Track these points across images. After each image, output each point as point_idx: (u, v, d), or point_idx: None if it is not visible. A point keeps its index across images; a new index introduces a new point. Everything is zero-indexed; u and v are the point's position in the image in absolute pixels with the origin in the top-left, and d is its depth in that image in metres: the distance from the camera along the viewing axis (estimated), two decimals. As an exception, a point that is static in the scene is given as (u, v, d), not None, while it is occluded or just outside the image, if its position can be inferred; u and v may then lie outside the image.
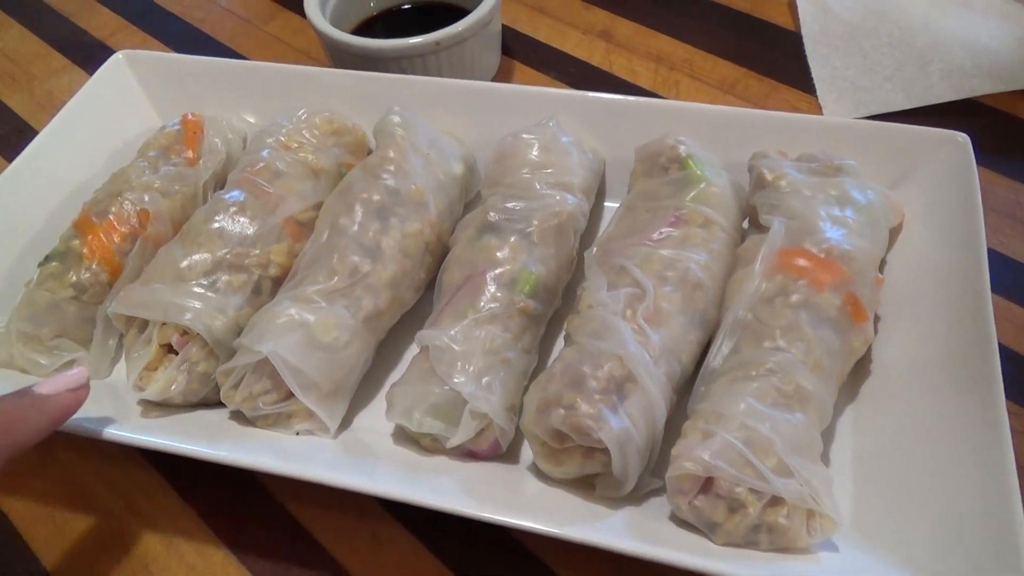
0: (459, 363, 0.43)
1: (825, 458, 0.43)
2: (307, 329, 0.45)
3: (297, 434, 0.46)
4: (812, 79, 0.66)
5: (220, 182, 0.59)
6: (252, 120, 0.63)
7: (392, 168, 0.51)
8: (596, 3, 0.76)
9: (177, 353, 0.47)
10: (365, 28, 0.71)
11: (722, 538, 0.37)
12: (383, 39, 0.63)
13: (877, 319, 0.47)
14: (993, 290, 0.48)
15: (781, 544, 0.37)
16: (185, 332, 0.47)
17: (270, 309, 0.46)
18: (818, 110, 0.64)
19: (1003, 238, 0.54)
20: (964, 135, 0.50)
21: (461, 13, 0.68)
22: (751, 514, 0.36)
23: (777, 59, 0.68)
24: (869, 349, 0.46)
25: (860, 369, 0.46)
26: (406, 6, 0.72)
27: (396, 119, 0.54)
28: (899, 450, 0.42)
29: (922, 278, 0.47)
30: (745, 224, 0.51)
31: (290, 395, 0.45)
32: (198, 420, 0.47)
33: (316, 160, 0.55)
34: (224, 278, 0.49)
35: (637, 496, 0.41)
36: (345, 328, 0.46)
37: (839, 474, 0.42)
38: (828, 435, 0.44)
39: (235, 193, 0.52)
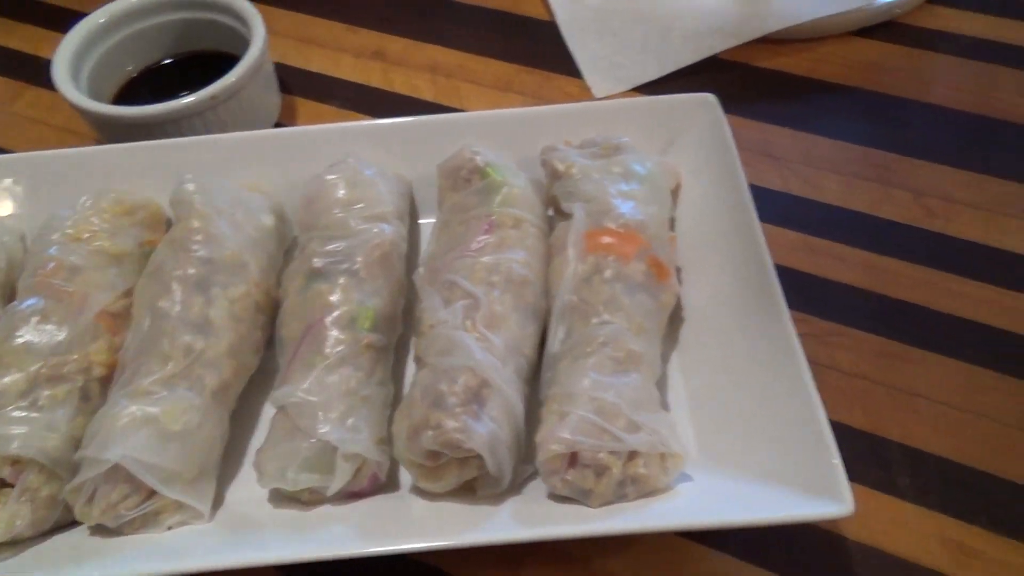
0: (320, 413, 0.44)
1: (664, 404, 0.49)
2: (154, 422, 0.44)
3: (169, 528, 0.44)
4: (576, 64, 0.72)
5: (7, 292, 0.54)
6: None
7: (200, 238, 0.50)
8: (363, 25, 0.78)
9: (13, 486, 0.44)
10: (128, 92, 0.68)
11: (597, 501, 0.41)
12: (153, 103, 0.61)
13: (679, 271, 0.53)
14: (761, 218, 0.57)
15: (646, 490, 0.42)
16: (16, 461, 0.44)
17: (107, 412, 0.44)
18: (587, 91, 0.70)
19: (761, 173, 0.63)
20: (712, 95, 0.57)
21: (227, 59, 0.67)
22: (615, 473, 0.41)
23: (543, 51, 0.74)
24: (679, 299, 0.52)
25: (676, 317, 0.52)
26: (167, 61, 0.70)
27: (190, 187, 0.53)
28: (719, 378, 0.48)
29: (705, 225, 0.54)
30: (551, 212, 0.56)
31: (152, 493, 0.44)
32: (57, 546, 0.44)
33: (114, 245, 0.53)
34: (45, 393, 0.46)
35: (516, 487, 0.44)
36: (194, 410, 0.45)
37: (678, 413, 0.48)
38: (663, 383, 0.50)
39: (32, 301, 0.49)
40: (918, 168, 0.62)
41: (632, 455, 0.42)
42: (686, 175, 0.57)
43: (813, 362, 0.51)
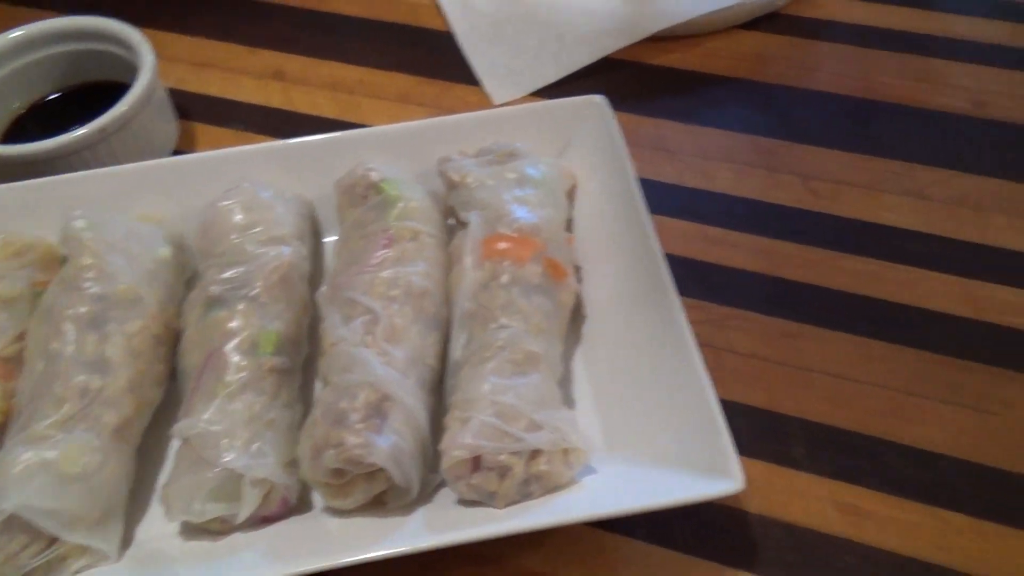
0: (223, 441, 0.44)
1: (570, 398, 0.50)
2: (51, 467, 0.43)
3: (77, 573, 0.43)
4: (474, 72, 0.72)
5: None
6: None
7: (92, 275, 0.49)
8: (262, 46, 0.77)
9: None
10: (16, 130, 0.66)
11: (502, 502, 0.42)
12: (40, 140, 0.59)
13: (579, 270, 0.54)
14: (658, 211, 0.58)
15: (550, 486, 0.43)
16: (-93, 522, 0.42)
17: (2, 461, 0.43)
18: (487, 99, 0.71)
19: (657, 167, 0.65)
20: (600, 96, 0.59)
21: (119, 88, 0.65)
22: (518, 473, 0.42)
23: (442, 61, 0.74)
24: (580, 297, 0.53)
25: (578, 315, 0.53)
26: (55, 95, 0.68)
27: (80, 224, 0.52)
28: (621, 370, 0.49)
29: (601, 223, 0.55)
30: (451, 222, 0.56)
31: (55, 539, 0.43)
32: (-42, 605, 0.43)
33: (4, 289, 0.51)
34: (-65, 448, 0.45)
35: (426, 496, 0.45)
36: (94, 451, 0.44)
37: (584, 408, 0.50)
38: (568, 379, 0.51)
39: (-83, 354, 0.47)
40: (804, 152, 0.65)
41: (534, 454, 0.42)
42: (582, 175, 0.58)
43: (711, 346, 0.53)
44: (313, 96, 0.72)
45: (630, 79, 0.72)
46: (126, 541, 0.46)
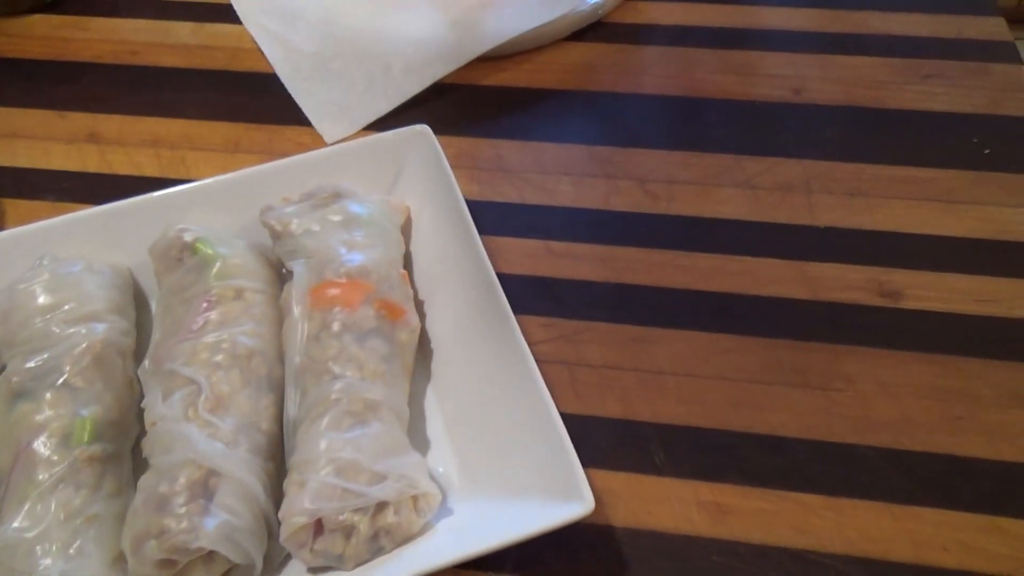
0: (37, 548, 0.40)
1: (424, 440, 0.48)
2: None
3: None
4: (304, 112, 0.70)
5: None
6: None
7: None
8: (72, 108, 0.72)
9: None
10: None
11: (351, 563, 0.40)
12: None
13: (421, 304, 0.53)
14: (502, 232, 0.58)
15: (402, 538, 0.41)
16: None
17: None
18: (320, 139, 0.69)
19: (497, 188, 0.64)
20: (424, 126, 0.58)
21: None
22: (363, 530, 0.40)
23: (269, 104, 0.72)
24: (424, 332, 0.52)
25: (425, 351, 0.51)
26: None
27: None
28: (470, 403, 0.48)
29: (437, 253, 0.54)
30: (285, 270, 0.54)
31: None
32: None
33: None
34: None
35: (275, 568, 0.42)
36: None
37: (440, 448, 0.48)
38: (420, 417, 0.49)
39: None
40: (639, 156, 0.66)
41: (380, 506, 0.41)
42: (415, 207, 0.57)
43: (564, 363, 0.53)
44: (132, 155, 0.68)
45: (464, 102, 0.71)
46: None
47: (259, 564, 0.40)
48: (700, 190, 0.63)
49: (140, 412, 0.48)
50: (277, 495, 0.43)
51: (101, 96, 0.73)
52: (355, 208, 0.53)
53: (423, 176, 0.57)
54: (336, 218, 0.52)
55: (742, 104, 0.70)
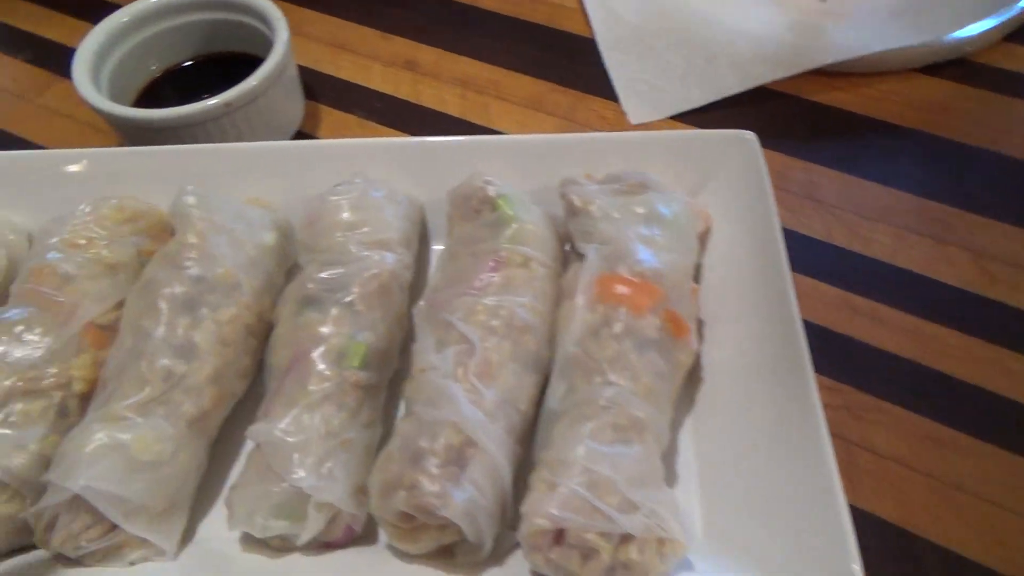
0: (295, 456, 0.41)
1: (672, 474, 0.45)
2: (123, 451, 0.42)
3: (132, 564, 0.42)
4: (613, 86, 0.67)
5: (4, 293, 0.53)
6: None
7: (194, 255, 0.48)
8: (396, 33, 0.75)
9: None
10: (151, 92, 0.66)
11: (581, 586, 0.37)
12: (175, 104, 0.59)
13: (701, 324, 0.49)
14: (798, 270, 0.52)
15: (638, 578, 0.38)
16: (-21, 477, 0.42)
17: (77, 436, 0.42)
18: (623, 117, 0.66)
19: (803, 219, 0.58)
20: (751, 133, 0.52)
21: (252, 61, 0.64)
22: (604, 558, 0.37)
23: (578, 69, 0.70)
24: (699, 357, 0.47)
25: (693, 376, 0.47)
26: (188, 63, 0.68)
27: (190, 199, 0.50)
28: (735, 450, 0.43)
29: (733, 276, 0.49)
30: (567, 248, 0.52)
31: (116, 525, 0.41)
32: (11, 572, 0.42)
33: (112, 254, 0.51)
34: (18, 408, 0.44)
35: (499, 554, 0.41)
36: (167, 440, 0.43)
37: (686, 487, 0.44)
38: (672, 449, 0.45)
39: (16, 311, 0.47)
40: (981, 226, 0.56)
41: (625, 538, 0.37)
42: (718, 219, 0.52)
43: (843, 439, 0.47)
44: (442, 91, 0.69)
45: (784, 114, 0.65)
46: (187, 534, 0.44)
47: (488, 549, 0.39)
48: (1053, 285, 0.53)
49: (401, 349, 0.49)
50: (517, 480, 0.42)
51: (424, 27, 0.75)
52: (660, 205, 0.49)
53: (735, 188, 0.52)
54: (639, 210, 0.49)
55: None
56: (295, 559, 0.42)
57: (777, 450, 0.41)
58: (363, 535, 0.43)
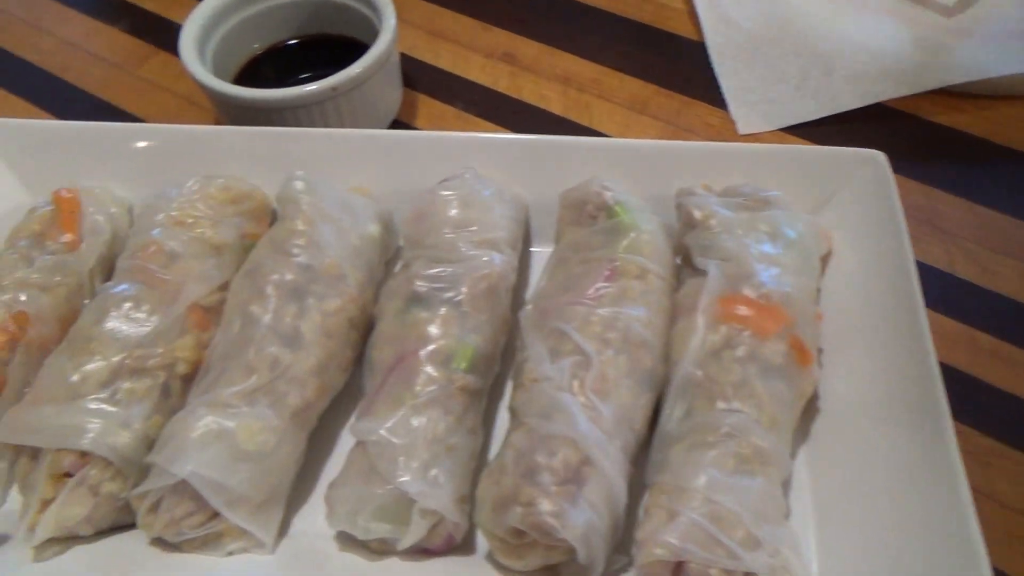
0: (401, 458, 0.40)
1: (786, 509, 0.43)
2: (228, 438, 0.41)
3: (230, 554, 0.42)
4: (722, 92, 0.65)
5: (107, 266, 0.53)
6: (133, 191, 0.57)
7: (302, 242, 0.47)
8: (496, 24, 0.73)
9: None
10: (251, 70, 0.66)
11: (698, 622, 0.36)
12: (273, 83, 0.58)
13: (820, 353, 0.47)
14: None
15: (757, 619, 0.36)
16: (84, 454, 0.42)
17: (183, 419, 0.42)
18: (731, 125, 0.63)
19: (923, 246, 0.55)
20: (882, 154, 0.50)
21: (353, 45, 0.64)
22: (726, 595, 0.35)
23: (685, 72, 0.67)
24: (816, 387, 0.45)
25: (809, 407, 0.45)
26: (294, 41, 0.67)
27: (300, 185, 0.50)
28: (855, 487, 0.41)
29: (856, 304, 0.47)
30: (677, 260, 0.50)
31: (217, 513, 0.41)
32: (112, 551, 0.42)
33: (216, 235, 0.50)
34: (125, 386, 0.44)
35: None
36: (271, 430, 0.42)
37: (801, 523, 0.42)
38: (785, 482, 0.43)
39: (125, 285, 0.47)
40: (1119, 268, 0.53)
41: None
42: (838, 242, 0.50)
43: (977, 488, 0.44)
44: (541, 87, 0.68)
45: (903, 134, 0.62)
46: (283, 527, 0.43)
47: (599, 571, 0.38)
48: None
49: (503, 353, 0.48)
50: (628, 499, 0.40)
51: (525, 18, 0.73)
52: (784, 222, 0.47)
53: (860, 210, 0.50)
54: (763, 228, 0.46)
55: None
56: (393, 563, 0.41)
57: (905, 492, 0.39)
58: (461, 545, 0.42)
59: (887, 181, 0.49)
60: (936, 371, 0.41)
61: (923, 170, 0.59)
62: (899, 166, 0.59)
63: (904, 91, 0.62)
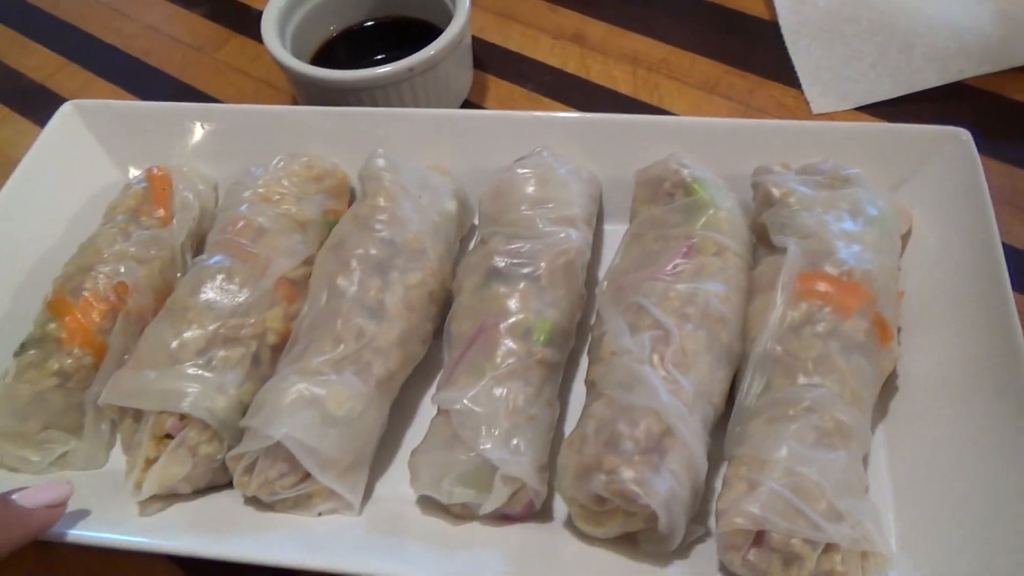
0: (483, 427, 0.42)
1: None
2: (319, 405, 0.43)
3: (320, 514, 0.43)
4: (795, 71, 0.64)
5: (197, 240, 0.55)
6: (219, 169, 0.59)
7: (385, 218, 0.49)
8: (564, 5, 0.73)
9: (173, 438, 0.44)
10: (327, 51, 0.68)
11: (775, 593, 0.36)
12: (348, 65, 0.60)
13: (899, 332, 0.46)
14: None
15: (838, 591, 0.36)
16: (183, 416, 0.44)
17: (276, 386, 0.44)
18: (804, 104, 0.63)
19: (1003, 225, 0.53)
20: (966, 132, 0.49)
21: (426, 27, 0.65)
22: (808, 566, 0.36)
23: (756, 52, 0.67)
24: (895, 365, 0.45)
25: (887, 385, 0.45)
26: (368, 23, 0.69)
27: (381, 162, 0.51)
28: (935, 465, 0.41)
29: (938, 283, 0.47)
30: (753, 239, 0.50)
31: (308, 475, 0.43)
32: (210, 509, 0.44)
33: (300, 211, 0.52)
34: (220, 354, 0.46)
35: (683, 547, 0.40)
36: (358, 397, 0.44)
37: (879, 498, 0.42)
38: (864, 458, 0.43)
39: (219, 258, 0.49)
40: None
41: (828, 547, 0.36)
42: (918, 220, 0.49)
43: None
44: (610, 68, 0.68)
45: (984, 112, 0.60)
46: (367, 493, 0.45)
47: (677, 541, 0.39)
48: None
49: (578, 326, 0.49)
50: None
51: (594, 0, 0.73)
52: (866, 200, 0.47)
53: (942, 189, 0.49)
54: (843, 205, 0.46)
55: None
56: (474, 527, 0.43)
57: (991, 476, 0.39)
58: (540, 512, 0.43)
59: (972, 159, 0.48)
60: (1022, 350, 0.40)
61: (1005, 149, 0.58)
62: (980, 145, 0.57)
63: (986, 68, 0.61)
